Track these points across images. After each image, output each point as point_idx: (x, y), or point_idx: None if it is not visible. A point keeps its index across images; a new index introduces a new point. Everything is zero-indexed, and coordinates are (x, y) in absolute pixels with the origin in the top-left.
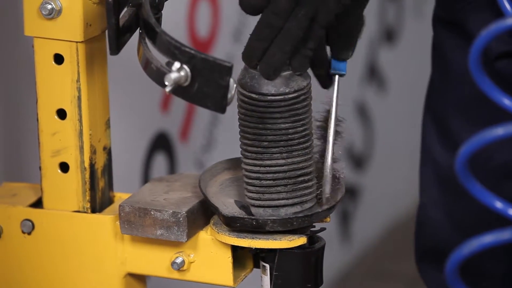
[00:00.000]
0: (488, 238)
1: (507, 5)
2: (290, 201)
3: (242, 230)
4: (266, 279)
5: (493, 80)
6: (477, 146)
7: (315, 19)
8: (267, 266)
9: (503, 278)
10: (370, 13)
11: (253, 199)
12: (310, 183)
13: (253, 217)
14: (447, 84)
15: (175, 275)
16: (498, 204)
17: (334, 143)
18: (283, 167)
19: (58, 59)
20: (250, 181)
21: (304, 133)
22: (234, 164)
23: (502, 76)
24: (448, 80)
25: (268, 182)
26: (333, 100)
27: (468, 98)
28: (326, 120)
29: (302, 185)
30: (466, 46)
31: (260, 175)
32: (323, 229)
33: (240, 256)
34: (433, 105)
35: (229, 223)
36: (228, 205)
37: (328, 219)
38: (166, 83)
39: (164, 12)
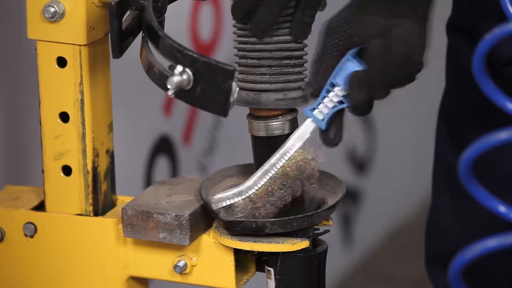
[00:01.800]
0: (492, 242)
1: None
2: (273, 86)
3: (243, 234)
4: (272, 283)
5: (504, 85)
6: (480, 151)
7: None
8: (272, 270)
9: (510, 282)
10: None
11: (238, 80)
12: (296, 69)
13: (252, 220)
14: (462, 91)
15: (178, 278)
16: (501, 208)
17: None
18: (268, 46)
19: (61, 62)
20: (238, 60)
21: (291, 5)
22: (235, 171)
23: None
24: (462, 87)
25: (253, 61)
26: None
27: (481, 105)
28: None
29: (287, 69)
30: None
31: (246, 53)
32: (327, 231)
33: (242, 260)
34: (447, 111)
35: (229, 227)
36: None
37: (330, 222)
38: (169, 86)
39: (167, 15)
